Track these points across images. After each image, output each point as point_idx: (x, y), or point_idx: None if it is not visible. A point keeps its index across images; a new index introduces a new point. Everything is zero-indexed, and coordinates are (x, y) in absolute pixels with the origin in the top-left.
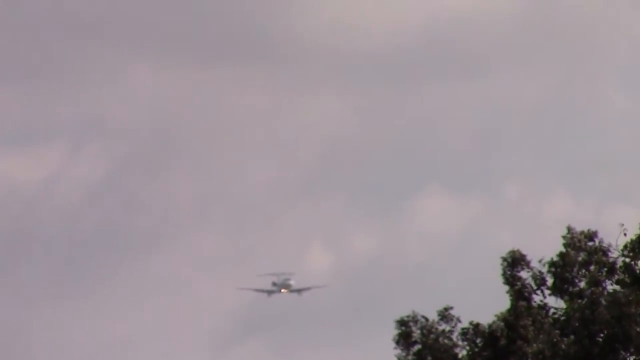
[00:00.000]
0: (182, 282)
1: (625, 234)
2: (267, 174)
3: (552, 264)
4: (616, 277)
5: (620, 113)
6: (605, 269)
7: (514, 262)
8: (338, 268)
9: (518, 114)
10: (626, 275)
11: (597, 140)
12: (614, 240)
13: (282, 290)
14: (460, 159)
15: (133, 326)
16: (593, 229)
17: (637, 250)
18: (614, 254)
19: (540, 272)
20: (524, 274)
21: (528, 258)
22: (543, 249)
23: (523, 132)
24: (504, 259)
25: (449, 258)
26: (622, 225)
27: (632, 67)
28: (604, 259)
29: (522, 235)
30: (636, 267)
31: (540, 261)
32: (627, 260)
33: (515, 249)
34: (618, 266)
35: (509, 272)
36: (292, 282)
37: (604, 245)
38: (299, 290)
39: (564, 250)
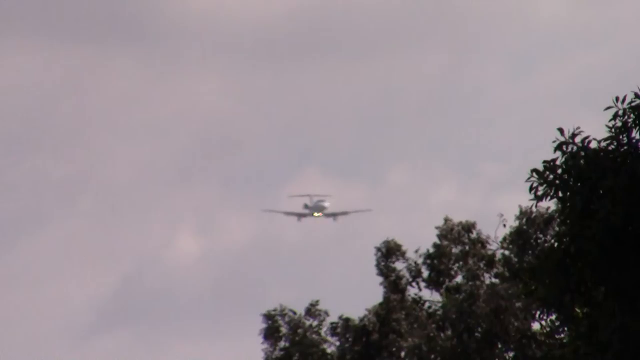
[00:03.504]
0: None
1: (504, 225)
2: (136, 158)
3: (427, 255)
4: (495, 270)
5: (507, 102)
6: (484, 262)
7: (389, 252)
8: (207, 254)
9: (403, 99)
10: (505, 269)
11: (484, 129)
12: (494, 231)
13: (315, 214)
14: (341, 143)
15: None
16: (472, 219)
17: (515, 242)
18: (493, 246)
19: (415, 263)
20: (400, 265)
21: (404, 248)
22: (424, 239)
23: (408, 118)
24: (378, 249)
25: (324, 247)
26: (502, 215)
27: (521, 56)
28: (482, 251)
29: (402, 224)
30: (515, 261)
31: (416, 251)
32: (506, 252)
33: (390, 239)
34: (497, 259)
35: (383, 263)
36: (326, 204)
37: (482, 236)
38: (334, 214)
39: (438, 241)
